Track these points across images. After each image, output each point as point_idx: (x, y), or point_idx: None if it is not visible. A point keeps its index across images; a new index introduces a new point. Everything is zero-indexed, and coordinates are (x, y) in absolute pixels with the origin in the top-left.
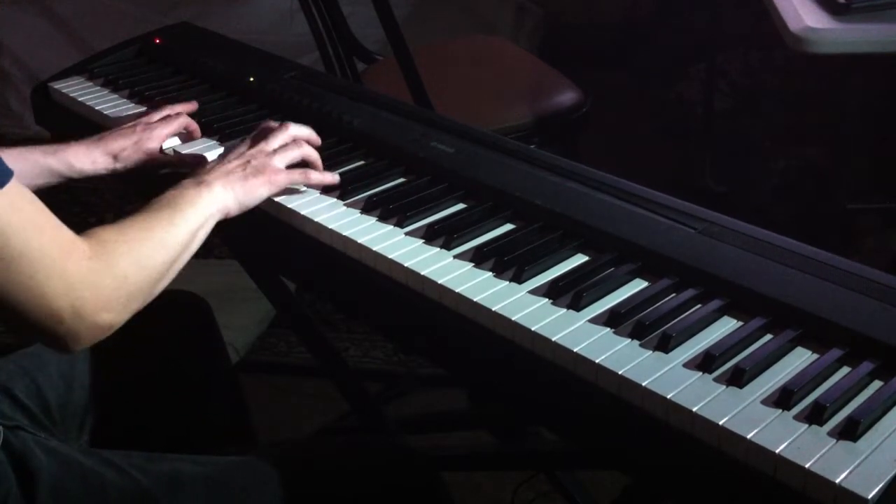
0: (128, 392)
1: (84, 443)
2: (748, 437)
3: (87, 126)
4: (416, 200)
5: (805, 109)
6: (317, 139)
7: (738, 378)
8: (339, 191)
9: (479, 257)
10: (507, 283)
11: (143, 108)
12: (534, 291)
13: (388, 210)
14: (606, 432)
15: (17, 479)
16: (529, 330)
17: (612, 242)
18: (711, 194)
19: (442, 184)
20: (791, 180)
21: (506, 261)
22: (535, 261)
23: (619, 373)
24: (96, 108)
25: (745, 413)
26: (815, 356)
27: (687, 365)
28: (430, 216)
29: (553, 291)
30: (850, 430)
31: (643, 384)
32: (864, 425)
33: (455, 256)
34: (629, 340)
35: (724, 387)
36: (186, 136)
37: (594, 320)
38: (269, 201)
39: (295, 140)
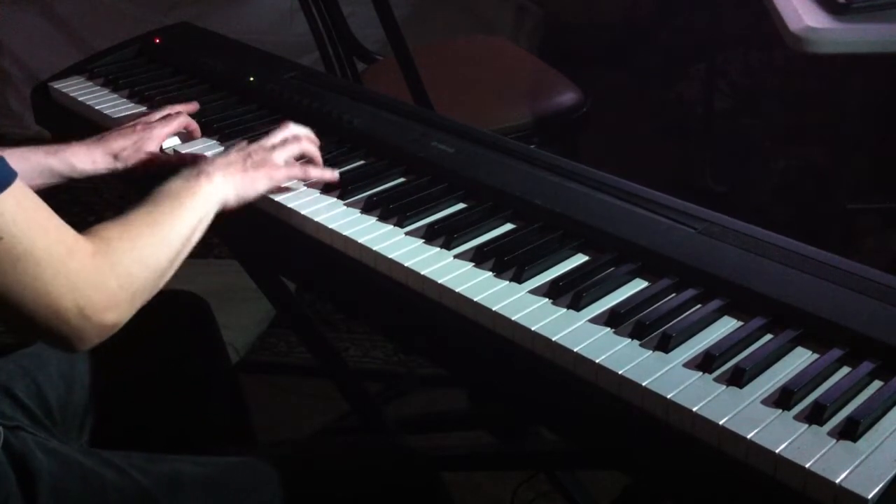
0: (128, 392)
1: (84, 443)
2: (748, 437)
3: (88, 126)
4: (416, 200)
5: (805, 109)
6: (316, 140)
7: (738, 378)
8: (339, 191)
9: (479, 257)
10: (507, 282)
11: (143, 108)
12: (534, 291)
13: (389, 210)
14: (606, 432)
15: (18, 480)
16: (529, 330)
17: (612, 242)
18: (711, 194)
19: (442, 184)
20: (791, 180)
21: (506, 261)
22: (535, 261)
23: (620, 373)
24: (96, 107)
25: (745, 413)
26: (815, 356)
27: (687, 365)
28: (430, 216)
29: (553, 291)
30: (850, 430)
31: (643, 384)
32: (864, 425)
33: (455, 256)
34: (629, 340)
35: (724, 387)
36: (186, 136)
37: (594, 320)
38: (269, 201)
39: (295, 137)
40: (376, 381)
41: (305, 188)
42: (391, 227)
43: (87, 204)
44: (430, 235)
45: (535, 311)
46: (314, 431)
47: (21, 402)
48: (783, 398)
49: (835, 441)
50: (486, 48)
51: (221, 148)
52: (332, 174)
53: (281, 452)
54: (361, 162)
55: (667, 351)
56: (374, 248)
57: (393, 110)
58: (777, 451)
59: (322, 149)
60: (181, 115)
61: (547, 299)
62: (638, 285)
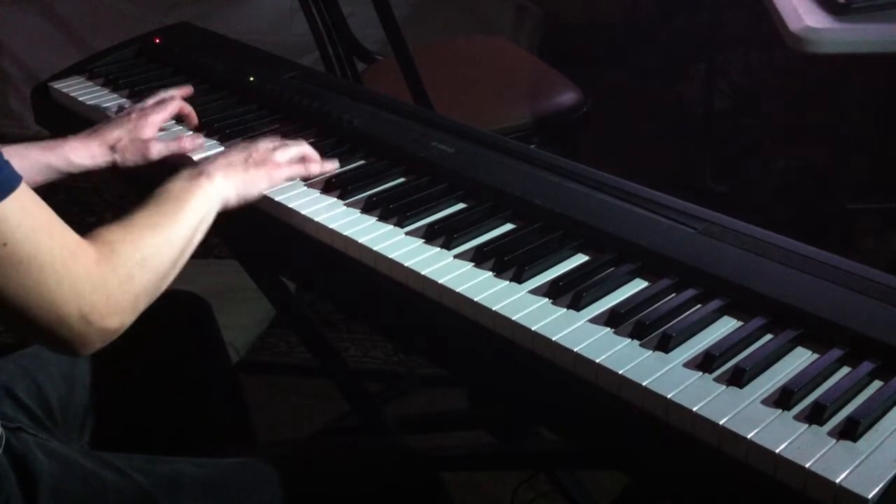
0: (128, 392)
1: (85, 443)
2: (748, 437)
3: (88, 126)
4: (416, 200)
5: (805, 109)
6: (317, 155)
7: (738, 378)
8: (339, 191)
9: (479, 257)
10: (508, 282)
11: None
12: (534, 291)
13: (389, 210)
14: (606, 432)
15: (18, 481)
16: (529, 330)
17: (612, 242)
18: (711, 194)
19: (442, 184)
20: (791, 180)
21: (506, 261)
22: (535, 261)
23: (620, 373)
24: (96, 107)
25: (745, 413)
26: (815, 356)
27: (687, 365)
28: (430, 216)
29: (553, 291)
30: (850, 430)
31: (643, 384)
32: (864, 425)
33: (455, 256)
34: (629, 340)
35: (724, 387)
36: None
37: (594, 320)
38: (269, 201)
39: (297, 145)
40: (376, 381)
41: (305, 188)
42: (391, 227)
43: (87, 204)
44: (430, 235)
45: (535, 311)
46: (314, 431)
47: (22, 403)
48: (783, 398)
49: (835, 441)
50: (486, 48)
51: (221, 148)
52: (331, 164)
53: (281, 452)
54: (361, 162)
55: (667, 351)
56: (374, 248)
57: (393, 110)
58: (777, 451)
59: (322, 149)
60: (175, 100)
61: (547, 299)
62: (638, 285)
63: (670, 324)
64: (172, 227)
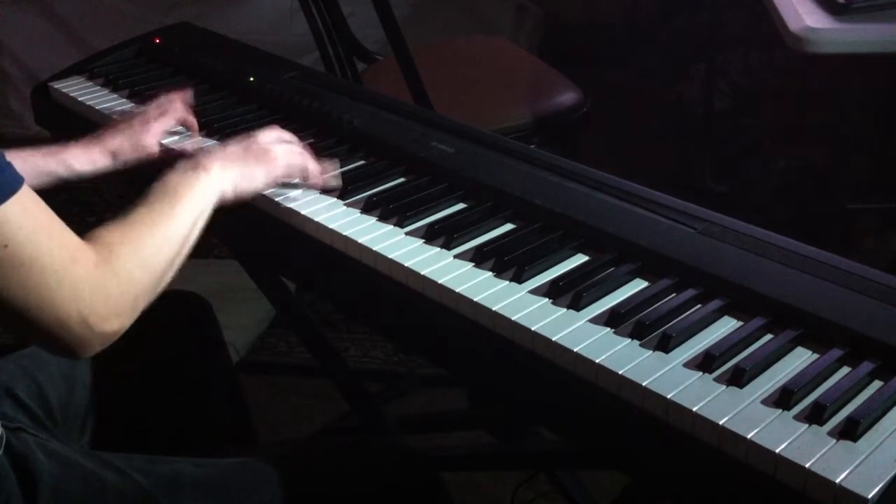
0: (128, 392)
1: (85, 443)
2: (748, 436)
3: (88, 126)
4: (416, 200)
5: (805, 109)
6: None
7: (738, 378)
8: (339, 191)
9: (479, 257)
10: (507, 282)
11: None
12: (534, 291)
13: (388, 210)
14: (606, 432)
15: (19, 482)
16: (529, 330)
17: (612, 242)
18: (711, 194)
19: (442, 184)
20: (791, 180)
21: (506, 261)
22: (535, 261)
23: (620, 373)
24: (96, 107)
25: (745, 413)
26: (815, 356)
27: (687, 365)
28: (430, 216)
29: (553, 291)
30: (850, 430)
31: (643, 384)
32: (864, 425)
33: (455, 256)
34: (629, 340)
35: (724, 387)
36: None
37: (594, 320)
38: (268, 201)
39: (292, 139)
40: (376, 381)
41: (305, 188)
42: (391, 227)
43: (86, 204)
44: (430, 235)
45: (535, 311)
46: (314, 431)
47: (22, 403)
48: (783, 398)
49: (835, 441)
50: (486, 48)
51: None
52: (333, 181)
53: (281, 452)
54: (361, 162)
55: (667, 351)
56: (374, 248)
57: (393, 110)
58: (777, 450)
59: (322, 149)
60: (178, 110)
61: (547, 299)
62: (638, 285)
63: (670, 324)
64: (171, 225)
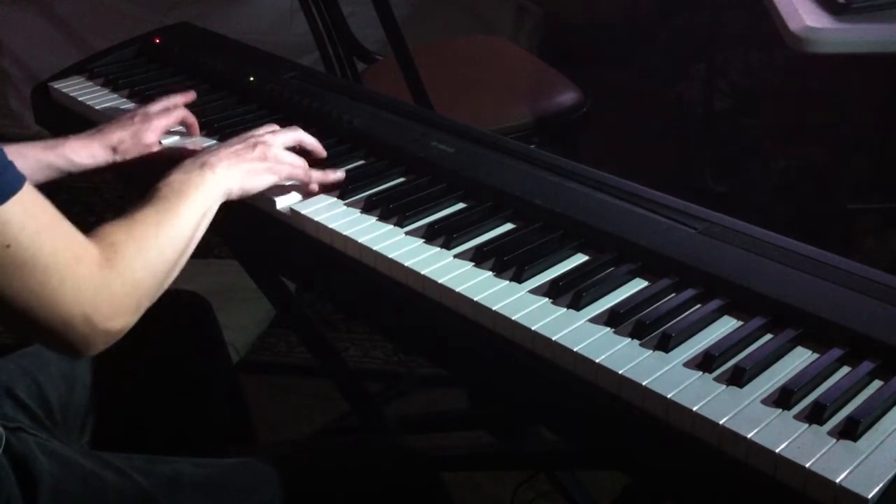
0: (129, 391)
1: (85, 443)
2: (748, 436)
3: (87, 126)
4: (416, 200)
5: (805, 109)
6: (321, 150)
7: (738, 378)
8: (339, 191)
9: (479, 257)
10: (507, 282)
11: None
12: (534, 291)
13: (388, 210)
14: (606, 432)
15: (19, 482)
16: (529, 329)
17: (612, 242)
18: (711, 194)
19: (442, 184)
20: (791, 180)
21: (506, 260)
22: (535, 260)
23: (620, 372)
24: (96, 107)
25: (745, 413)
26: (815, 356)
27: (687, 365)
28: (430, 216)
29: (553, 291)
30: (850, 430)
31: (643, 384)
32: (864, 425)
33: (455, 256)
34: (629, 340)
35: (724, 386)
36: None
37: (594, 320)
38: (268, 201)
39: (299, 141)
40: (376, 381)
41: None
42: (391, 226)
43: (87, 204)
44: (430, 235)
45: (535, 311)
46: (314, 431)
47: (22, 403)
48: (783, 398)
49: (835, 441)
50: (486, 48)
51: None
52: (335, 175)
53: (281, 452)
54: (361, 162)
55: (667, 351)
56: (374, 248)
57: (393, 110)
58: (777, 450)
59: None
60: (180, 108)
61: (547, 299)
62: (638, 285)
63: (670, 324)
64: (175, 224)
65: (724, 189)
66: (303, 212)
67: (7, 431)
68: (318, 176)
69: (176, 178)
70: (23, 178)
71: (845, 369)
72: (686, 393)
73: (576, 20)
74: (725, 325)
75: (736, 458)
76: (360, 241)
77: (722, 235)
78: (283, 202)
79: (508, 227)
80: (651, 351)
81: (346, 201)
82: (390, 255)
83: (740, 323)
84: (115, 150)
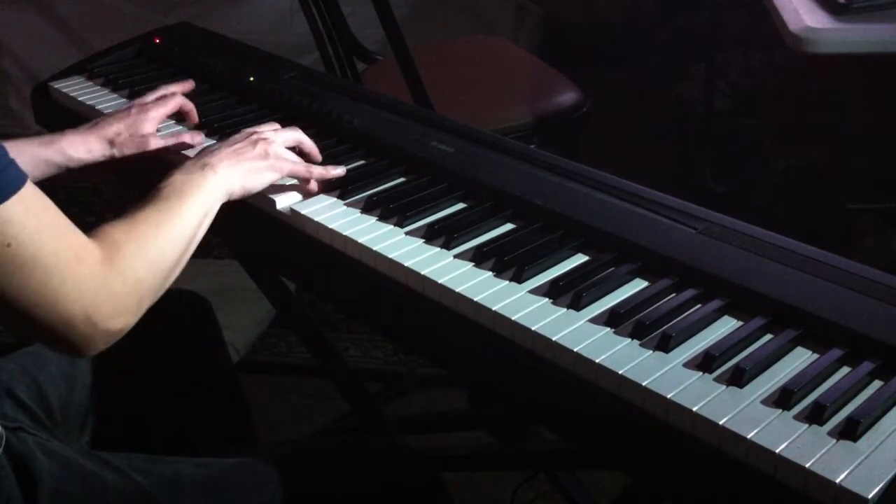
0: (128, 391)
1: (85, 443)
2: (748, 436)
3: None
4: (416, 200)
5: (805, 109)
6: (318, 154)
7: (738, 378)
8: (339, 191)
9: (479, 257)
10: (507, 282)
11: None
12: (534, 291)
13: (388, 210)
14: (606, 432)
15: (19, 482)
16: (529, 330)
17: (612, 242)
18: (711, 194)
19: (442, 184)
20: (791, 180)
21: (506, 260)
22: (535, 261)
23: (620, 372)
24: (96, 107)
25: (745, 413)
26: (815, 356)
27: (687, 365)
28: (430, 216)
29: (553, 291)
30: (850, 430)
31: (643, 384)
32: (864, 425)
33: (455, 256)
34: (629, 340)
35: (724, 387)
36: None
37: (594, 320)
38: (268, 201)
39: (299, 142)
40: (376, 381)
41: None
42: (391, 227)
43: (86, 204)
44: (430, 235)
45: (535, 311)
46: (314, 431)
47: (22, 403)
48: (783, 398)
49: (835, 441)
50: (486, 48)
51: None
52: (336, 171)
53: (281, 452)
54: (361, 162)
55: (667, 351)
56: (374, 248)
57: (393, 110)
58: (777, 451)
59: (322, 149)
60: (176, 96)
61: (547, 299)
62: (638, 285)
63: (670, 324)
64: (176, 224)
65: (724, 189)
66: (303, 212)
67: (7, 431)
68: (319, 172)
69: (177, 178)
70: (24, 176)
71: (845, 369)
72: (686, 393)
73: (576, 20)
74: (725, 326)
75: (736, 459)
76: (360, 241)
77: (722, 235)
78: (283, 202)
79: (508, 227)
80: (651, 351)
81: (347, 201)
82: (390, 255)
83: (740, 323)
84: (112, 142)
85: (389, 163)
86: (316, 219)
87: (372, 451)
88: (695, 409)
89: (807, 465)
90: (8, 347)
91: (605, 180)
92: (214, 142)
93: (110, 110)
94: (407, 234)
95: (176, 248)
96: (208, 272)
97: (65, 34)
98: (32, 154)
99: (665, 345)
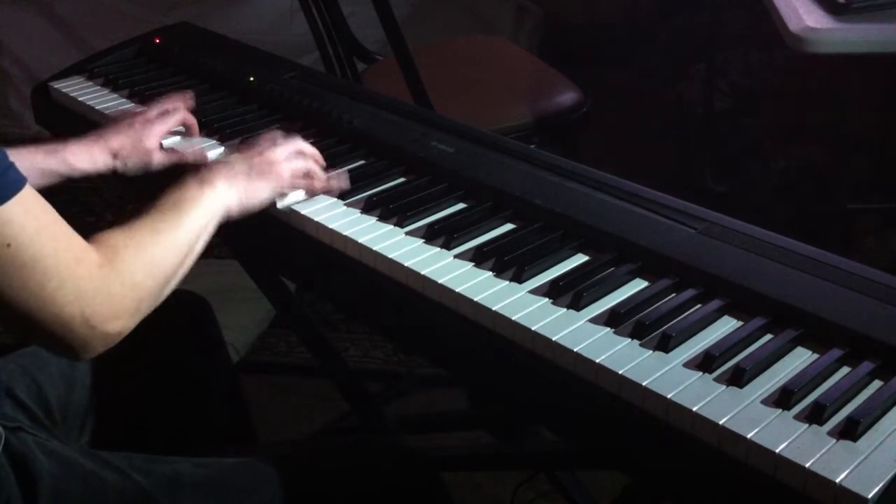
0: (128, 391)
1: (84, 443)
2: (748, 436)
3: (87, 126)
4: (416, 200)
5: (805, 109)
6: (321, 160)
7: (738, 378)
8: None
9: (479, 257)
10: (508, 282)
11: (143, 109)
12: (534, 291)
13: (389, 210)
14: (606, 432)
15: (18, 481)
16: (530, 330)
17: (612, 242)
18: (711, 194)
19: (442, 184)
20: (791, 180)
21: (506, 261)
22: (535, 261)
23: (620, 372)
24: (96, 107)
25: (745, 413)
26: (815, 356)
27: (687, 365)
28: (430, 216)
29: (553, 291)
30: (850, 430)
31: (643, 384)
32: (864, 425)
33: (455, 256)
34: (629, 340)
35: (724, 387)
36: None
37: (594, 320)
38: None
39: (300, 152)
40: (376, 381)
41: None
42: (391, 227)
43: (86, 204)
44: (430, 235)
45: (535, 311)
46: (314, 431)
47: (22, 403)
48: (783, 398)
49: (835, 441)
50: (486, 48)
51: (222, 148)
52: (338, 182)
53: (281, 452)
54: (361, 162)
55: (667, 351)
56: (374, 248)
57: (393, 110)
58: (777, 450)
59: (322, 149)
60: (179, 111)
61: (547, 299)
62: (638, 285)
63: (670, 324)
64: (175, 234)
65: (724, 189)
66: (303, 212)
67: (7, 431)
68: (321, 187)
69: (175, 193)
70: (24, 179)
71: (845, 369)
72: (686, 393)
73: (576, 20)
74: (725, 326)
75: (736, 458)
76: (360, 241)
77: (722, 235)
78: (283, 202)
79: (508, 227)
80: (651, 351)
81: (346, 201)
82: (390, 256)
83: (740, 323)
84: (115, 155)
85: (389, 163)
86: (316, 219)
87: (372, 451)
88: (695, 409)
89: (807, 465)
90: (7, 347)
91: (605, 180)
92: (215, 141)
93: (110, 110)
94: (407, 234)
95: (173, 256)
96: (208, 272)
97: (65, 34)
98: (35, 163)
99: (665, 345)
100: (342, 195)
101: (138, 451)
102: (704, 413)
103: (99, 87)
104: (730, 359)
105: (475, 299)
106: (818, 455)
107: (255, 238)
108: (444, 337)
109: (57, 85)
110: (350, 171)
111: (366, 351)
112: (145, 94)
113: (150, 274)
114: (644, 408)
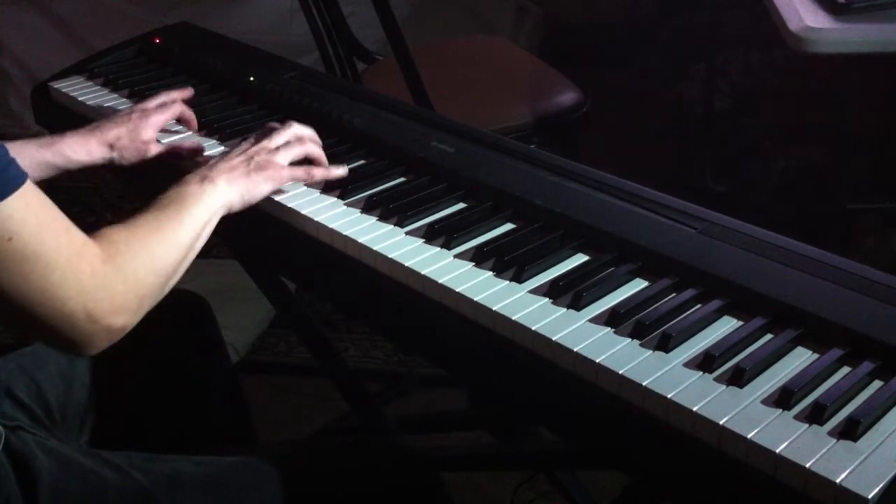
0: (128, 391)
1: (84, 442)
2: (748, 436)
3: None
4: (417, 200)
5: (805, 109)
6: (318, 140)
7: (738, 378)
8: (339, 190)
9: (479, 257)
10: (508, 282)
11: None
12: (534, 291)
13: (389, 210)
14: (606, 432)
15: (18, 481)
16: (530, 329)
17: (612, 242)
18: (711, 194)
19: (442, 183)
20: (791, 180)
21: (506, 260)
22: (536, 260)
23: (620, 372)
24: (96, 107)
25: (745, 413)
26: (815, 356)
27: (687, 365)
28: (430, 216)
29: (553, 291)
30: (851, 430)
31: (643, 384)
32: (865, 425)
33: (455, 256)
34: (629, 340)
35: (724, 387)
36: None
37: (594, 320)
38: (269, 201)
39: (298, 138)
40: (376, 381)
41: (305, 188)
42: (391, 226)
43: (86, 204)
44: (430, 235)
45: (535, 311)
46: (314, 431)
47: (21, 402)
48: (783, 398)
49: (835, 441)
50: (486, 48)
51: (221, 148)
52: (339, 171)
53: (281, 452)
54: (361, 162)
55: (667, 351)
56: (374, 248)
57: (393, 110)
58: (777, 450)
59: (323, 149)
60: (177, 103)
61: (547, 299)
62: (638, 285)
63: (670, 324)
64: (176, 231)
65: (724, 189)
66: (303, 212)
67: (6, 430)
68: (320, 174)
69: (176, 190)
70: (25, 174)
71: (845, 369)
72: (686, 393)
73: (576, 20)
74: (725, 325)
75: (736, 459)
76: (360, 241)
77: (722, 235)
78: (283, 202)
79: (508, 227)
80: (651, 351)
81: (346, 201)
82: (390, 255)
83: (740, 323)
84: (112, 146)
85: (389, 163)
86: (316, 219)
87: (372, 451)
88: (695, 409)
89: (807, 465)
90: (7, 347)
91: (605, 180)
92: (215, 142)
93: (110, 110)
94: (407, 233)
95: (175, 252)
96: (208, 272)
97: (65, 34)
98: (31, 155)
99: (665, 345)
100: (342, 195)
101: (138, 451)
102: (704, 413)
103: (99, 87)
104: (730, 359)
105: (475, 299)
106: (818, 455)
107: (254, 238)
108: (444, 337)
109: (57, 85)
110: (350, 170)
111: (366, 351)
112: (145, 94)
113: (151, 270)
114: (644, 408)
